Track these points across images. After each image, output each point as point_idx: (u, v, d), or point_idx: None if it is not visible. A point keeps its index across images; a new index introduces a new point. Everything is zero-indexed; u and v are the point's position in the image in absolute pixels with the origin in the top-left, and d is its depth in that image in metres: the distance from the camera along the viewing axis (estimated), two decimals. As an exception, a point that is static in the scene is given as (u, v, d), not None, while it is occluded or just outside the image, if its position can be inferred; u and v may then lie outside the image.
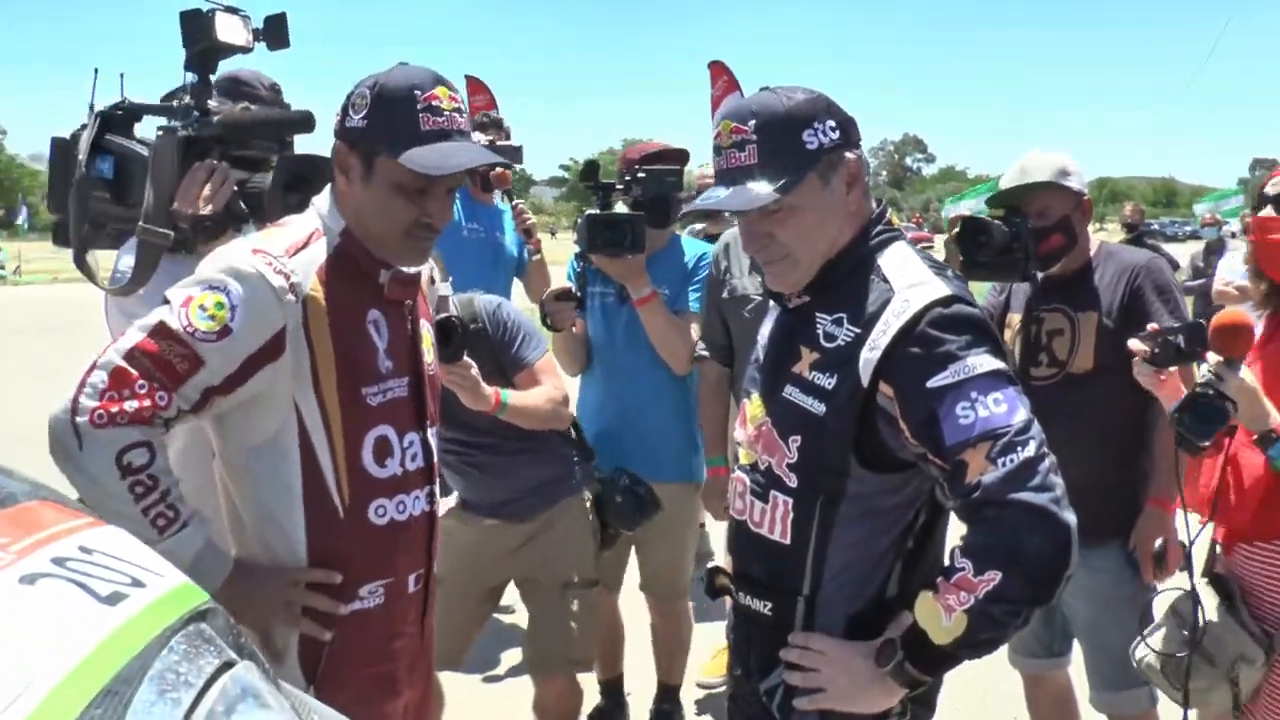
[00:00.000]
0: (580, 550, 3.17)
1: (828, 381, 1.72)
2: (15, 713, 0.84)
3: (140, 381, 1.71)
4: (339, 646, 1.88)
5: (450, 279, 2.58)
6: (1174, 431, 2.21)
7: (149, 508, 1.72)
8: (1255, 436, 2.20)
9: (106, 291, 2.31)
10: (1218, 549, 2.48)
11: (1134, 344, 2.39)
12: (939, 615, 1.61)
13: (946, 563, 1.66)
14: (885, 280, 1.74)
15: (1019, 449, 1.59)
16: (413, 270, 1.99)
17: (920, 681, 1.68)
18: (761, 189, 1.70)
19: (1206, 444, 2.18)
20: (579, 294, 3.35)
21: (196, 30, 2.20)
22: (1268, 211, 2.31)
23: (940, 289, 1.71)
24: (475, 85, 9.98)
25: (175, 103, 2.27)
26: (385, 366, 1.93)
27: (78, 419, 1.68)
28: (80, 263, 2.30)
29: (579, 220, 3.29)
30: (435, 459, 2.08)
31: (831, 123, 1.75)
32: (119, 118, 2.30)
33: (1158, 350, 2.33)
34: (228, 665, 1.04)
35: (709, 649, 4.26)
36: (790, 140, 1.71)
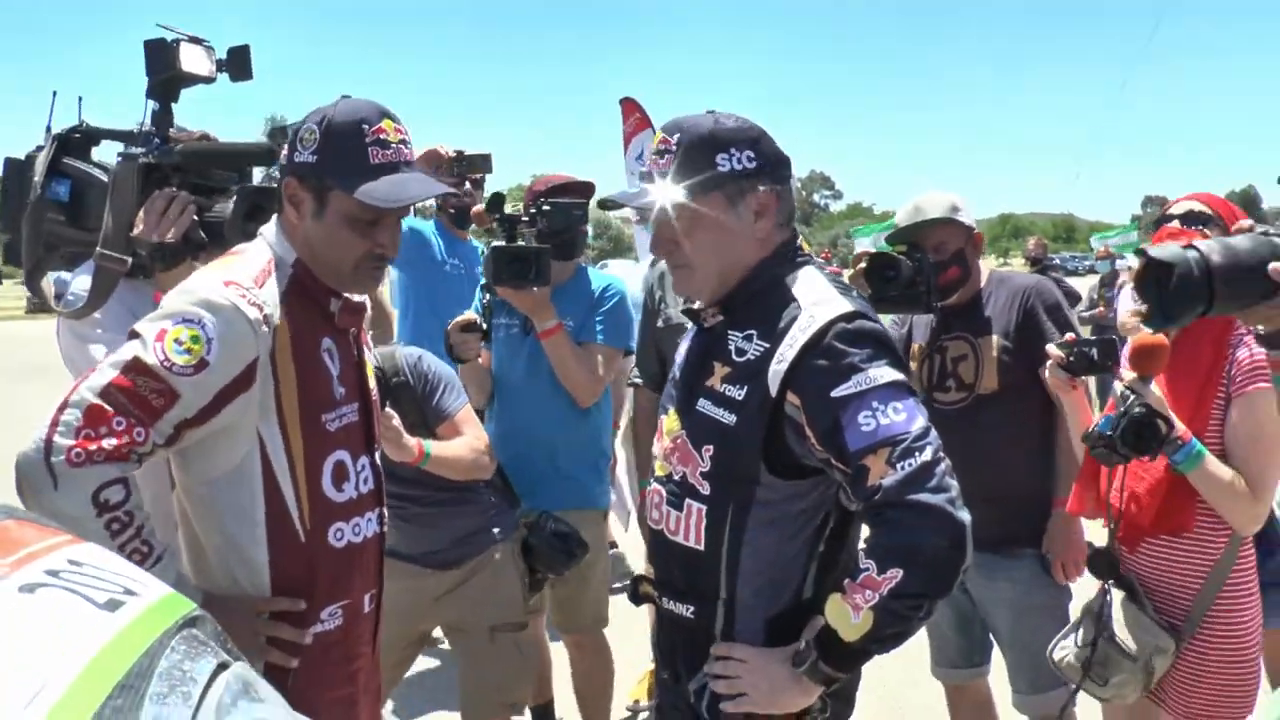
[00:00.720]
0: (507, 595, 3.21)
1: (738, 393, 1.85)
2: (40, 706, 0.88)
3: (117, 419, 1.72)
4: (303, 671, 1.90)
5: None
6: (1096, 444, 2.39)
7: (125, 543, 1.73)
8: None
9: (59, 314, 2.32)
10: (1119, 549, 2.65)
11: (1051, 349, 2.60)
12: (848, 614, 1.73)
13: (846, 559, 1.83)
14: (793, 299, 1.88)
15: (917, 454, 1.72)
16: (359, 298, 2.05)
17: (834, 679, 1.80)
18: (659, 192, 1.87)
19: (1144, 458, 2.37)
20: (484, 325, 3.40)
21: (161, 60, 2.25)
22: (1173, 225, 2.51)
23: (844, 305, 1.86)
24: (631, 106, 10.04)
25: (135, 130, 2.31)
26: (339, 393, 1.98)
27: (53, 459, 1.67)
28: (32, 284, 2.32)
29: (484, 252, 3.33)
30: (383, 481, 2.12)
31: (750, 153, 1.89)
32: (76, 141, 2.34)
33: (1072, 359, 2.55)
34: (223, 665, 1.09)
35: (638, 671, 4.31)
36: (704, 158, 1.86)
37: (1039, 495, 3.03)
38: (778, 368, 1.81)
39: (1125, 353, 2.54)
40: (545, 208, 3.33)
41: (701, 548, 1.89)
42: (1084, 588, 2.97)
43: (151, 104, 2.33)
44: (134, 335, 1.81)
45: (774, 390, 1.81)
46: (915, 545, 1.70)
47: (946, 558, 1.70)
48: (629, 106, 10.22)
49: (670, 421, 1.99)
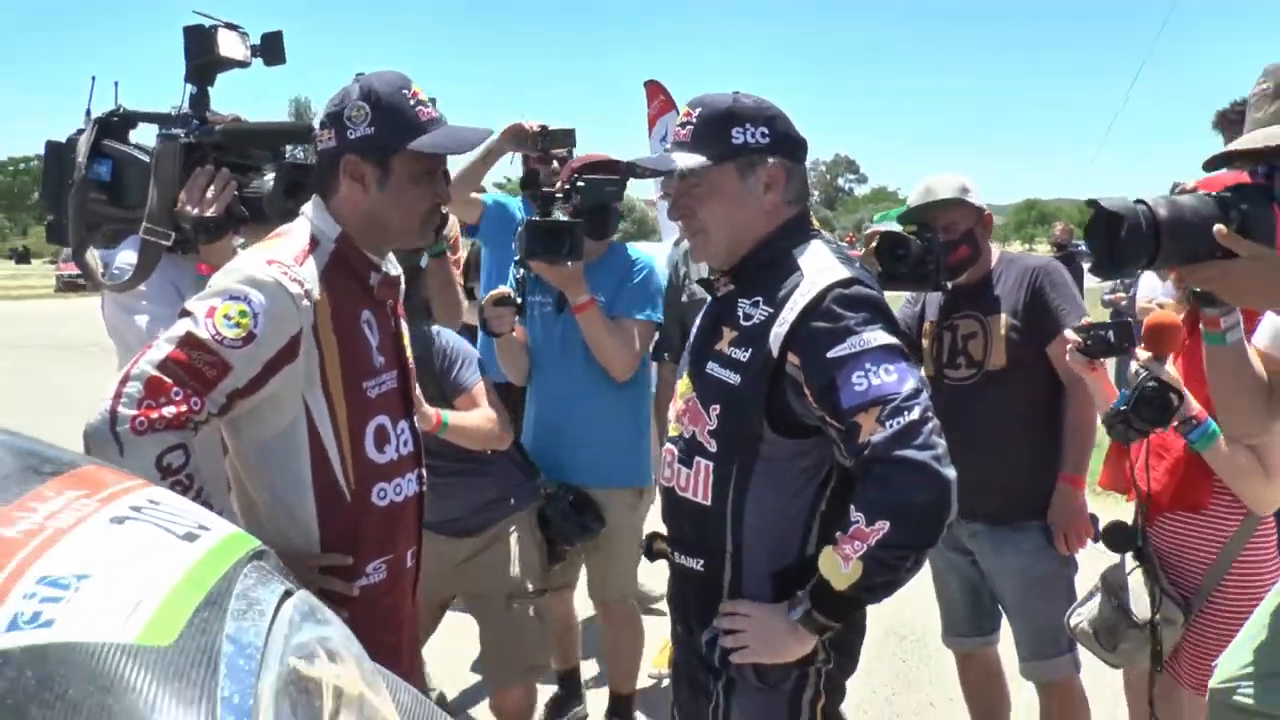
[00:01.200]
0: (525, 564, 3.28)
1: (743, 355, 1.96)
2: (138, 618, 1.01)
3: (175, 389, 1.82)
4: (351, 621, 2.02)
5: None
6: (1113, 423, 2.49)
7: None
8: (1176, 422, 2.47)
9: (105, 287, 2.45)
10: (1136, 522, 2.75)
11: (1069, 334, 2.70)
12: (839, 564, 1.83)
13: (837, 515, 1.89)
14: (798, 268, 1.99)
15: (905, 413, 1.80)
16: (396, 272, 2.18)
17: (828, 627, 1.91)
18: (678, 158, 1.99)
19: (1160, 430, 2.46)
20: (518, 300, 3.39)
21: (200, 45, 2.36)
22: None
23: (842, 272, 1.96)
24: (655, 89, 10.11)
25: (173, 112, 2.42)
26: (379, 361, 2.09)
27: (118, 428, 1.78)
28: (79, 260, 2.44)
29: (518, 227, 3.32)
30: (421, 443, 2.26)
31: (764, 129, 2.01)
32: (115, 124, 2.45)
33: (1090, 342, 2.64)
34: (289, 593, 1.21)
35: (659, 641, 4.41)
36: (720, 131, 1.99)
37: (1045, 469, 3.11)
38: (779, 330, 1.91)
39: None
40: (580, 184, 3.31)
41: (709, 503, 1.99)
42: (1093, 560, 3.06)
43: (189, 87, 2.45)
44: (185, 313, 1.91)
45: (775, 351, 1.91)
46: (902, 499, 1.79)
47: (932, 511, 1.79)
48: (654, 89, 10.21)
49: (683, 385, 2.11)
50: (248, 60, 2.44)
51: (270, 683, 0.98)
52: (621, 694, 3.76)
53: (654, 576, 4.25)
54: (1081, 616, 2.78)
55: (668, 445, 2.11)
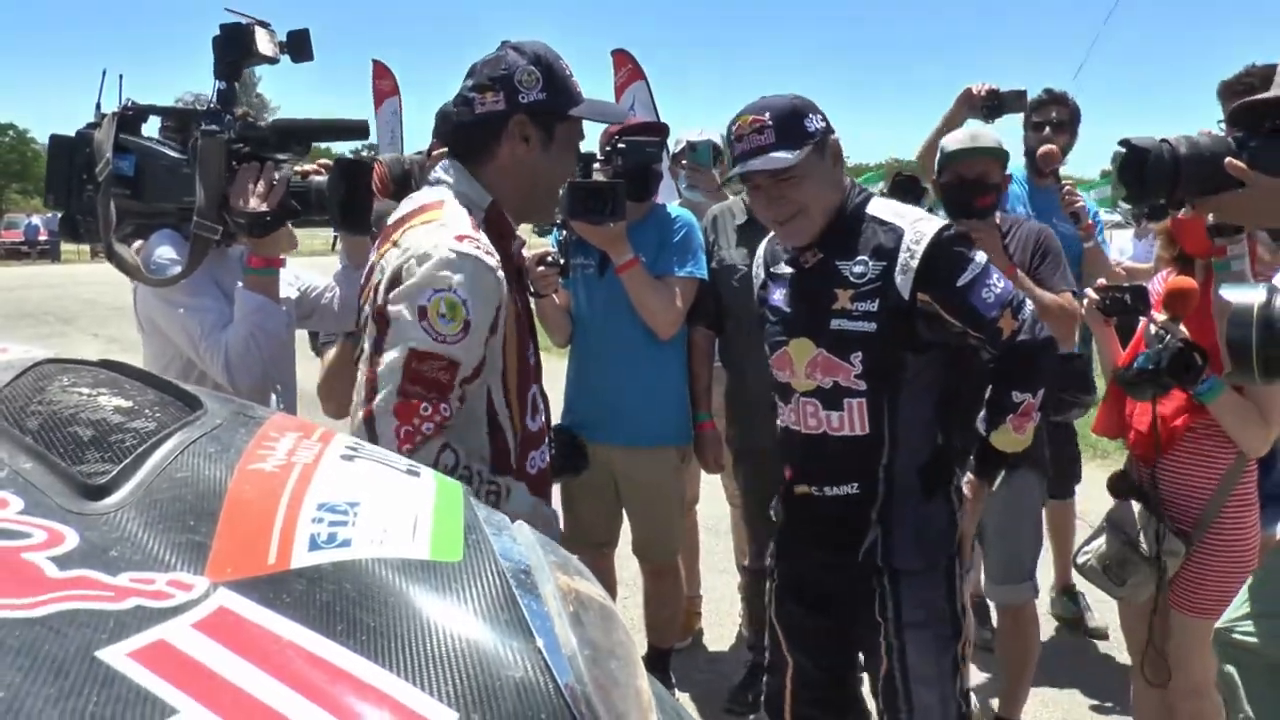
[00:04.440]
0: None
1: (870, 305, 2.30)
2: (421, 535, 1.12)
3: (422, 405, 1.87)
4: None
5: None
6: (1138, 381, 2.74)
7: (478, 492, 1.90)
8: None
9: (150, 282, 2.47)
10: (1135, 466, 3.00)
11: (1090, 293, 2.91)
12: (1015, 439, 2.38)
13: (996, 400, 2.38)
14: (884, 223, 2.34)
15: (1025, 304, 2.35)
16: (519, 244, 2.26)
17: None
18: (782, 156, 2.25)
19: (1191, 390, 2.68)
20: (562, 260, 3.44)
21: (237, 42, 2.40)
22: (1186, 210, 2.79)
23: (935, 220, 2.37)
24: (381, 69, 10.04)
25: (197, 106, 2.47)
26: (524, 325, 2.16)
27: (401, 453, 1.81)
28: (112, 255, 2.44)
29: (562, 189, 3.44)
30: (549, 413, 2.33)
31: (820, 115, 2.36)
32: (129, 118, 2.47)
33: (1109, 302, 2.83)
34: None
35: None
36: (797, 124, 2.29)
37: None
38: (903, 278, 2.27)
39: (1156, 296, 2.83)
40: (620, 146, 3.35)
41: (865, 432, 2.34)
42: (1094, 502, 3.28)
43: (218, 83, 2.45)
44: (384, 320, 1.92)
45: (905, 294, 2.27)
46: (1046, 369, 2.38)
47: (1055, 365, 2.44)
48: (621, 58, 10.14)
49: (799, 349, 2.41)
50: (277, 57, 2.48)
51: (551, 593, 1.09)
52: (662, 648, 3.86)
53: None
54: (1089, 554, 2.99)
55: (801, 402, 2.41)
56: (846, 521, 2.40)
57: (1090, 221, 4.03)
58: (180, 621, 0.94)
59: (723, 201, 3.82)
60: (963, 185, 3.29)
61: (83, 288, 20.31)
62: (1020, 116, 4.33)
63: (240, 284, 2.48)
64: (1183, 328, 2.76)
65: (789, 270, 2.49)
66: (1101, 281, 3.08)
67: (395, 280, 1.94)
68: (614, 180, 3.25)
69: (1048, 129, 4.31)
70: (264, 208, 2.35)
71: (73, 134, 2.46)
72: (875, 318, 2.29)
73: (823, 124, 2.33)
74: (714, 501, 4.63)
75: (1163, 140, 2.08)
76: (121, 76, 2.50)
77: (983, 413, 2.43)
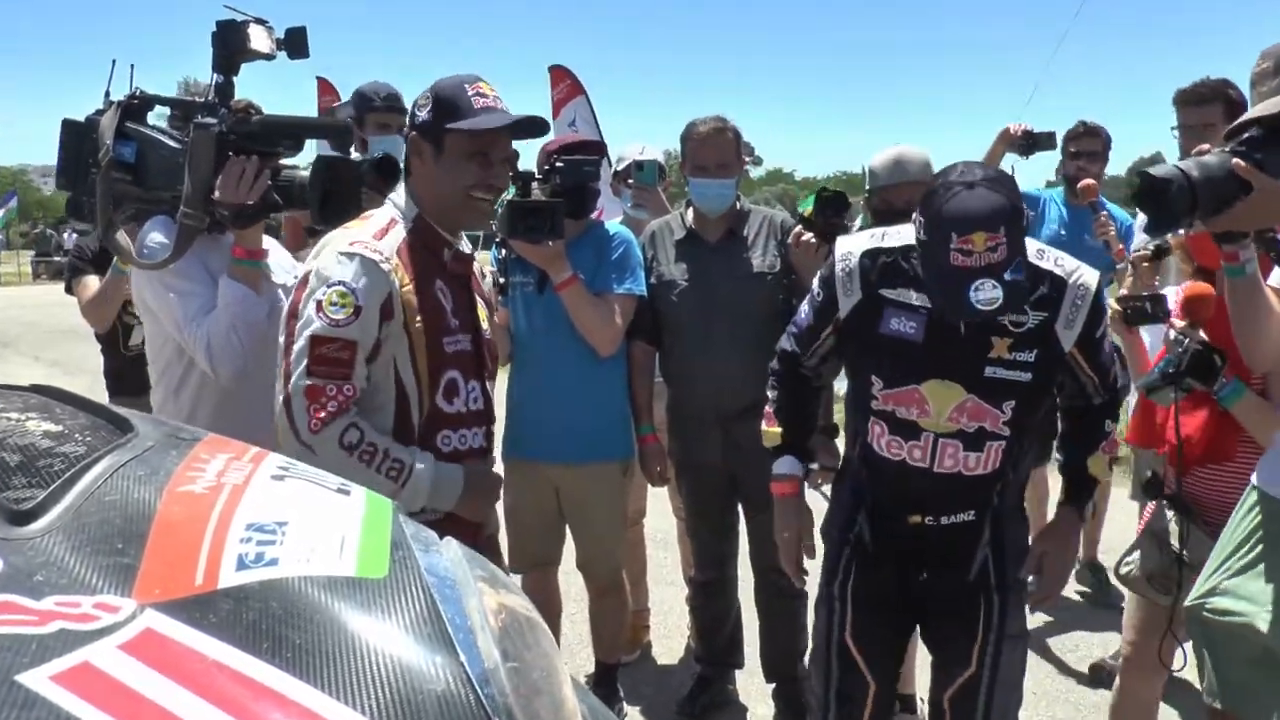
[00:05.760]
0: None
1: (1028, 355, 2.26)
2: (349, 553, 1.15)
3: (329, 386, 2.19)
4: None
5: None
6: (1159, 385, 2.79)
7: (379, 466, 2.21)
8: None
9: (140, 266, 2.54)
10: (1169, 476, 3.02)
11: (1111, 303, 3.01)
12: (1105, 462, 2.51)
13: (1092, 431, 2.51)
14: (1042, 271, 2.27)
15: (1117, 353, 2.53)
16: (467, 251, 2.50)
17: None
18: (1019, 282, 2.10)
19: (1206, 390, 2.76)
20: (501, 280, 3.45)
21: (233, 38, 2.48)
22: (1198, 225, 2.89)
23: (1092, 271, 2.35)
24: (327, 88, 9.98)
25: (197, 99, 2.53)
26: (453, 323, 2.39)
27: (302, 438, 2.18)
28: (108, 239, 2.55)
29: (499, 208, 3.43)
30: (492, 405, 2.56)
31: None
32: (135, 107, 2.54)
33: (1129, 311, 2.99)
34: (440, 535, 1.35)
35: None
36: (1021, 230, 2.15)
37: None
38: (1069, 332, 2.27)
39: (1176, 303, 2.93)
40: (558, 165, 3.37)
41: (994, 469, 2.36)
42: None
43: (216, 76, 2.53)
44: (294, 316, 2.25)
45: (1067, 346, 2.28)
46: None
47: None
48: (558, 74, 10.02)
49: (942, 391, 2.31)
50: (273, 53, 2.55)
51: (475, 606, 1.12)
52: (609, 663, 3.83)
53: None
54: (1130, 565, 3.04)
55: (940, 442, 2.34)
56: (959, 545, 2.44)
57: (1120, 246, 4.36)
58: (105, 644, 0.95)
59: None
60: (893, 213, 3.32)
61: (24, 310, 19.91)
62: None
63: (224, 274, 2.56)
64: (1202, 334, 2.83)
65: (923, 303, 2.30)
66: (1123, 292, 3.18)
67: (304, 283, 2.27)
68: (553, 199, 3.25)
69: (1083, 159, 4.82)
70: (247, 200, 2.44)
71: (81, 119, 2.57)
72: (1031, 368, 2.27)
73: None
74: (661, 515, 4.65)
75: (1176, 167, 2.14)
76: (133, 66, 2.58)
77: (1064, 443, 2.55)
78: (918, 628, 2.58)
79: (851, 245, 2.39)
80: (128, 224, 2.65)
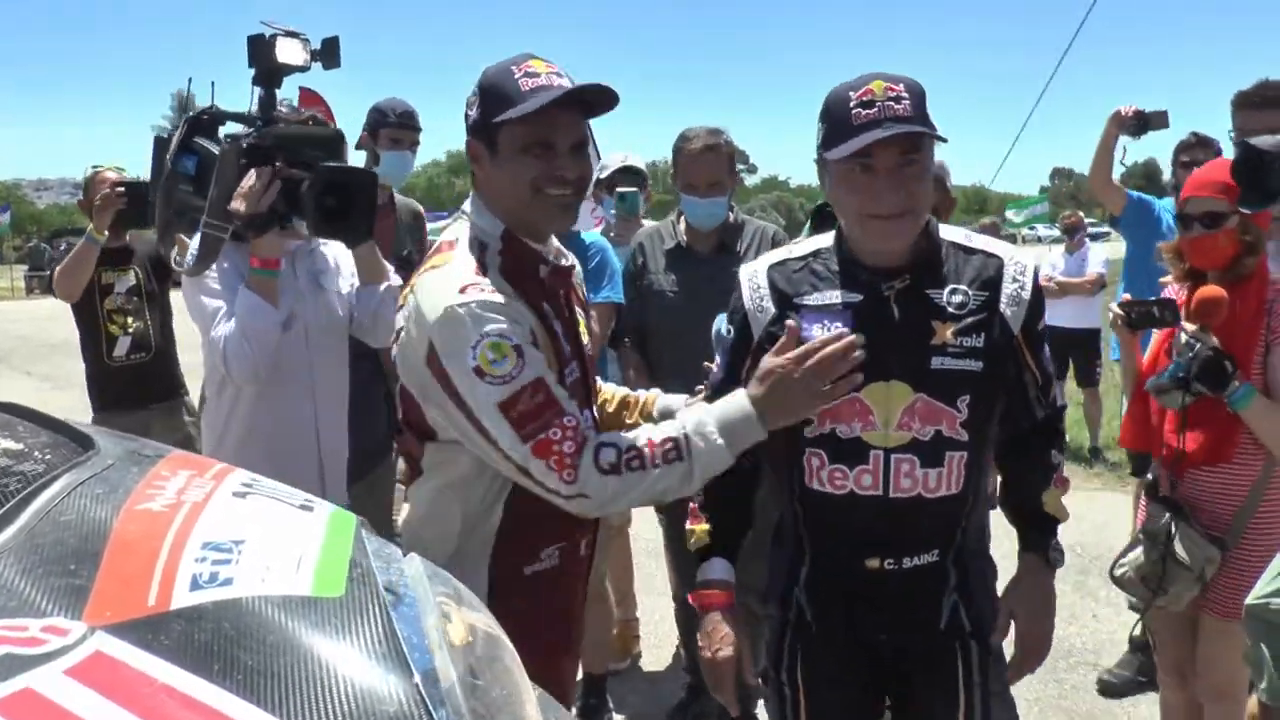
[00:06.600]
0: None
1: (976, 340, 1.95)
2: (305, 571, 1.13)
3: (551, 430, 1.82)
4: (524, 607, 1.97)
5: None
6: (1168, 389, 2.76)
7: (655, 460, 1.84)
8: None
9: (178, 272, 2.63)
10: (1164, 477, 3.00)
11: (1114, 308, 2.98)
12: (1062, 502, 2.12)
13: (1041, 461, 2.15)
14: (972, 250, 2.03)
15: None
16: (567, 262, 2.15)
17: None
18: (930, 127, 1.86)
19: (1219, 394, 2.71)
20: None
21: (260, 53, 2.50)
22: (1197, 229, 2.84)
23: (1026, 250, 2.19)
24: (310, 97, 9.85)
25: (247, 113, 2.56)
26: (566, 349, 2.07)
27: (568, 491, 1.82)
28: (162, 243, 2.71)
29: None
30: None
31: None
32: (204, 122, 2.58)
33: (1134, 315, 2.90)
34: (406, 553, 1.34)
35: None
36: (925, 105, 1.88)
37: None
38: (1014, 310, 1.98)
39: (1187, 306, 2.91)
40: None
41: (958, 491, 1.99)
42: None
43: (258, 90, 2.55)
44: (460, 400, 1.86)
45: (1016, 328, 1.99)
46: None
47: None
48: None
49: (887, 394, 1.98)
50: (307, 65, 2.55)
51: (433, 623, 1.10)
52: (596, 674, 3.81)
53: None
54: (1125, 566, 3.03)
55: (893, 459, 1.98)
56: (924, 593, 2.06)
57: None
58: (51, 668, 0.94)
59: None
60: None
61: (16, 324, 19.88)
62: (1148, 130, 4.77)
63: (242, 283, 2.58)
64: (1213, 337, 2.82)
65: (847, 299, 2.00)
66: (1126, 296, 3.15)
67: (424, 340, 1.90)
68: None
69: (1194, 169, 4.77)
70: (255, 210, 2.43)
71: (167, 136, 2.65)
72: (981, 355, 1.95)
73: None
74: (649, 523, 4.63)
75: (1275, 139, 2.10)
76: (213, 83, 2.63)
77: (1011, 488, 2.19)
78: (887, 700, 2.19)
79: (755, 265, 2.13)
80: (190, 233, 2.71)
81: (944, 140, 1.88)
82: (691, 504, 2.13)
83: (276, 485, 1.45)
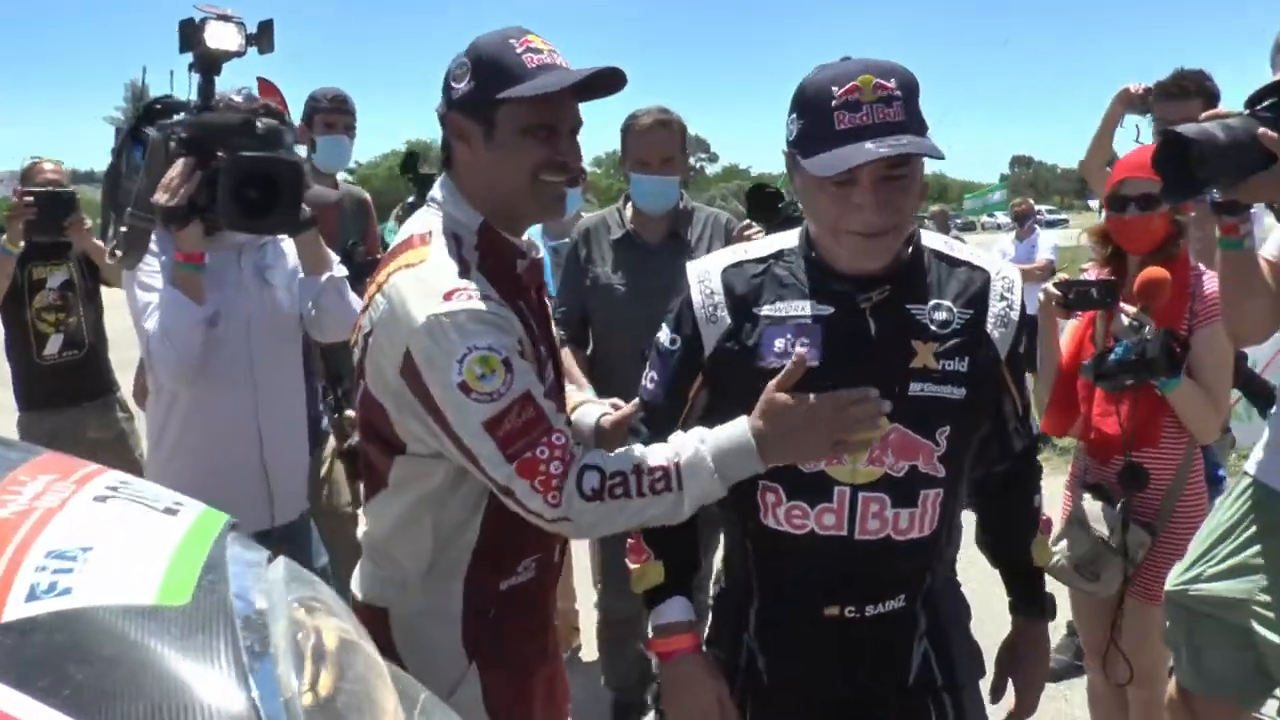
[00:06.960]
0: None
1: (961, 364, 1.72)
2: (152, 579, 1.09)
3: (539, 449, 1.69)
4: (497, 621, 1.91)
5: None
6: (1115, 373, 2.74)
7: (642, 489, 1.70)
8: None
9: (111, 263, 2.57)
10: (1091, 464, 3.02)
11: (1049, 288, 2.94)
12: (1048, 547, 2.02)
13: (1023, 509, 1.98)
14: (957, 261, 1.81)
15: None
16: (538, 255, 2.00)
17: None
18: (925, 142, 1.62)
19: (1171, 377, 2.70)
20: None
21: (191, 37, 2.42)
22: (1132, 210, 2.83)
23: (1009, 263, 1.94)
24: (267, 88, 9.74)
25: (189, 102, 2.50)
26: (542, 351, 1.93)
27: (551, 518, 1.70)
28: (104, 235, 2.58)
29: (398, 213, 3.25)
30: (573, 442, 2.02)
31: None
32: (157, 111, 2.53)
33: (1073, 296, 2.86)
34: (270, 557, 1.31)
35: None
36: (918, 103, 1.65)
37: None
38: (1002, 331, 1.76)
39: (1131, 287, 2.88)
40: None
41: (929, 532, 1.77)
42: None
43: (195, 77, 2.47)
44: (440, 415, 1.72)
45: (1003, 352, 1.77)
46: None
47: None
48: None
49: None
50: (242, 50, 2.47)
51: (281, 632, 1.07)
52: None
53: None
54: (1058, 555, 3.03)
55: (860, 497, 1.74)
56: (890, 643, 1.84)
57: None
58: None
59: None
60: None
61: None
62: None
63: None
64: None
65: (817, 311, 1.75)
66: (1063, 276, 3.12)
67: (399, 348, 1.75)
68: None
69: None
70: (170, 202, 2.35)
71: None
72: (964, 380, 1.72)
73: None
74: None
75: (1204, 127, 1.98)
76: (172, 73, 2.56)
77: (991, 540, 2.02)
78: None
79: (707, 264, 1.87)
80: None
81: (941, 157, 1.63)
82: (631, 540, 1.89)
83: (147, 487, 1.41)
